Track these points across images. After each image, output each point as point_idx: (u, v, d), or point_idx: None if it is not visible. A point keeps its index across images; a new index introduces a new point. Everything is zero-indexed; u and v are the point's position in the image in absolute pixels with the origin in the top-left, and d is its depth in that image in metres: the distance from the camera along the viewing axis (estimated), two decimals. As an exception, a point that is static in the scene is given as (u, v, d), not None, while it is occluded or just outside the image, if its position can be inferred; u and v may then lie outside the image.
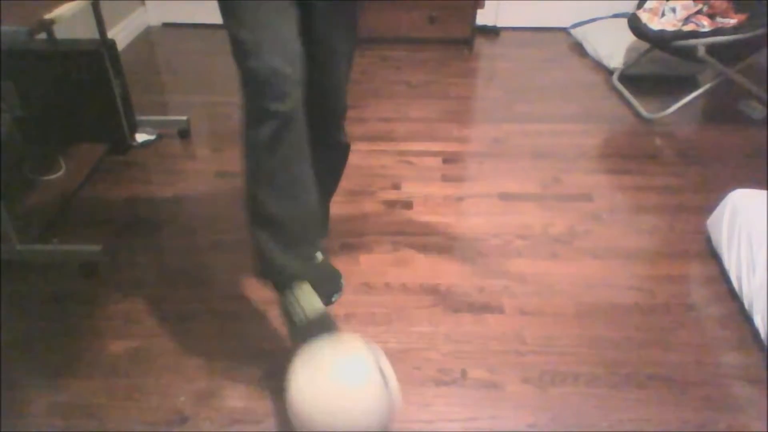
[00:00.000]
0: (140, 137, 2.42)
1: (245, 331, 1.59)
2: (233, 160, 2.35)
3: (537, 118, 2.69)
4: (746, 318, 1.62)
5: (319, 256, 1.69)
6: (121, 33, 3.29)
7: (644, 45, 2.84)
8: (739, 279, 1.66)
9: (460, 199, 2.14)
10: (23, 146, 2.26)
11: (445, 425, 1.36)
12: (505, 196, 2.15)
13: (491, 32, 3.65)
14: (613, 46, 3.13)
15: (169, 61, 3.28)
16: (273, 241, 1.26)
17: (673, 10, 2.69)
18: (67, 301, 1.68)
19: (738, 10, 2.55)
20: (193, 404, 1.40)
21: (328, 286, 1.68)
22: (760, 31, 2.37)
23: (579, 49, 3.43)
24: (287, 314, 1.30)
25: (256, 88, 1.14)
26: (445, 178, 2.25)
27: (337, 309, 1.66)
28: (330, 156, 1.56)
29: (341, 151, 1.59)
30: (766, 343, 1.51)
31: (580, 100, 2.85)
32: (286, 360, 1.50)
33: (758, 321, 1.54)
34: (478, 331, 1.60)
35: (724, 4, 2.59)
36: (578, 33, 3.50)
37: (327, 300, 1.63)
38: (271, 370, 1.48)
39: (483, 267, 1.82)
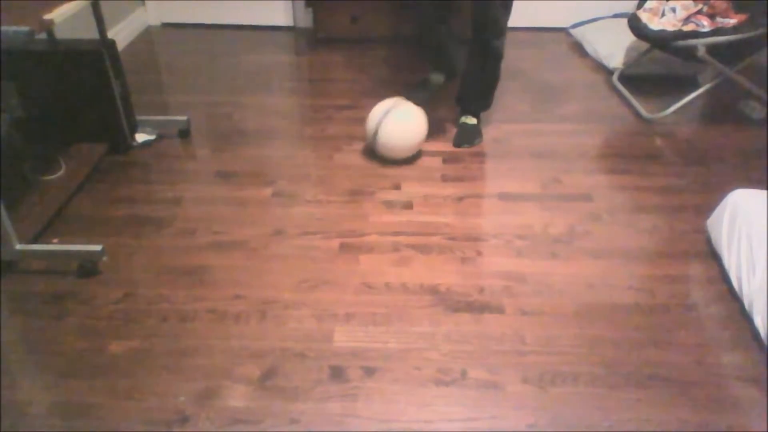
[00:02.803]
0: (140, 137, 2.42)
1: (245, 331, 1.59)
2: (233, 160, 2.35)
3: (537, 118, 2.69)
4: (746, 318, 1.62)
5: (473, 120, 2.52)
6: (121, 33, 3.29)
7: (644, 45, 2.83)
8: (739, 279, 1.66)
9: (460, 199, 2.14)
10: (23, 146, 2.26)
11: (445, 425, 1.36)
12: (505, 196, 2.15)
13: (491, 32, 3.64)
14: (613, 46, 3.12)
15: (169, 61, 3.28)
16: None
17: (673, 10, 2.69)
18: (67, 301, 1.69)
19: (738, 10, 2.55)
20: (193, 404, 1.40)
21: (470, 137, 2.49)
22: (760, 31, 2.37)
23: (579, 49, 3.43)
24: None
25: None
26: (445, 178, 2.25)
27: (337, 309, 1.66)
28: (485, 60, 2.39)
29: (491, 56, 2.38)
30: (766, 343, 1.51)
31: (580, 100, 2.85)
32: (285, 360, 1.50)
33: (758, 321, 1.54)
34: (478, 331, 1.60)
35: (724, 4, 2.59)
36: (578, 33, 3.50)
37: (469, 143, 2.47)
38: (271, 370, 1.48)
39: (483, 267, 1.82)
